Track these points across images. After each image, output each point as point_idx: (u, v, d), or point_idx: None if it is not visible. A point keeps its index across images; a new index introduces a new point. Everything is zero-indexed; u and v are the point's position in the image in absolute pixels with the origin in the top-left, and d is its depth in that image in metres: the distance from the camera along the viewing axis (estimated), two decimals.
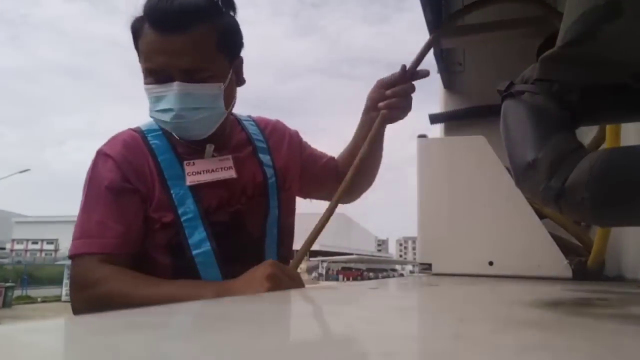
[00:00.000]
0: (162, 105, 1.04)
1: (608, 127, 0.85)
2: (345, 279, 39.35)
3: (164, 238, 1.06)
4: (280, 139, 1.30)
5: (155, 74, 1.03)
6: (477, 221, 0.99)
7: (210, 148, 1.12)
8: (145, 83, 1.05)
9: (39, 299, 22.61)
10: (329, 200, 1.30)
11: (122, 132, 1.14)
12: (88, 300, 0.99)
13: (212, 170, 1.11)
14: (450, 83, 2.17)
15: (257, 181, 1.17)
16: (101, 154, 1.10)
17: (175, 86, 1.02)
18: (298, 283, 0.96)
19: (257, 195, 1.17)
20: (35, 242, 51.37)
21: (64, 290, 23.41)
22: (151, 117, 1.07)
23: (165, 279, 1.01)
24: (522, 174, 0.65)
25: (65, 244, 45.41)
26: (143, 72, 1.05)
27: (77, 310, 1.01)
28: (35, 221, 53.94)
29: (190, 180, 1.08)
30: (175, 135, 1.12)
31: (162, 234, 1.06)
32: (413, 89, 1.16)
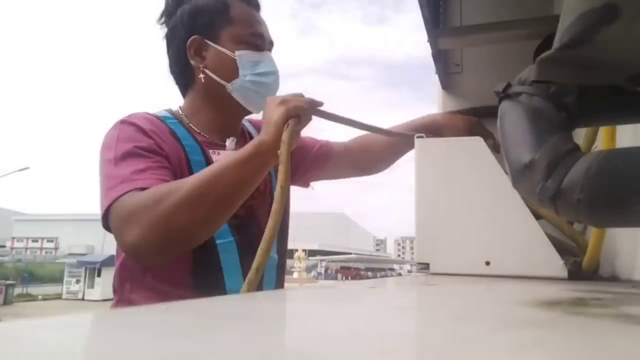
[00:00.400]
0: (263, 69, 1.14)
1: (604, 129, 0.86)
2: (343, 278, 39.32)
3: None
4: None
5: (255, 41, 1.15)
6: (474, 221, 1.00)
7: (232, 142, 1.16)
8: (237, 49, 1.14)
9: (39, 297, 22.63)
10: (334, 178, 1.37)
11: (136, 113, 1.12)
12: (153, 220, 0.90)
13: None
14: (448, 84, 2.18)
15: (266, 178, 1.18)
16: (125, 122, 1.07)
17: (269, 54, 1.18)
18: (298, 96, 1.02)
19: (265, 191, 1.19)
20: (35, 240, 51.22)
21: (65, 288, 23.42)
22: (247, 80, 1.13)
23: (183, 265, 1.02)
24: (519, 175, 0.65)
25: (65, 242, 45.34)
26: (235, 39, 1.14)
27: (139, 245, 0.91)
28: (35, 219, 53.79)
29: None
30: (245, 103, 1.17)
31: None
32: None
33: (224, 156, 1.09)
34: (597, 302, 0.53)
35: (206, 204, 0.92)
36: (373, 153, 1.40)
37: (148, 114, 1.13)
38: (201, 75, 1.15)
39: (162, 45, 1.23)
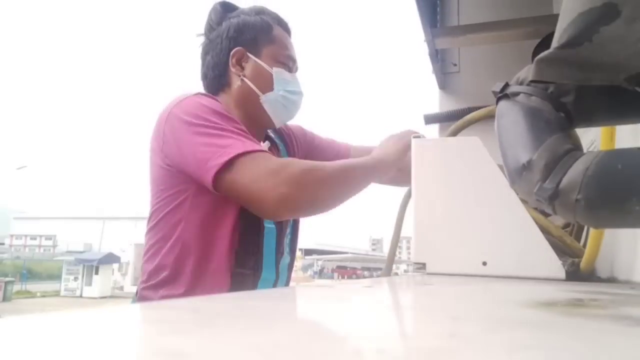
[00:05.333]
0: (293, 87, 1.30)
1: (602, 129, 0.86)
2: (340, 278, 39.39)
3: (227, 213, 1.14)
4: (290, 139, 1.45)
5: (288, 63, 1.31)
6: (472, 221, 0.99)
7: (266, 145, 1.31)
8: (274, 66, 1.29)
9: (38, 294, 22.72)
10: None
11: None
12: (305, 182, 1.05)
13: None
14: (445, 83, 2.18)
15: None
16: (200, 95, 1.19)
17: (297, 77, 1.34)
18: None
19: None
20: (33, 237, 51.20)
21: (63, 285, 23.51)
22: (280, 94, 1.28)
23: (227, 239, 1.12)
24: (517, 175, 0.65)
25: (63, 240, 45.38)
26: (273, 57, 1.29)
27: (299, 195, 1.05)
28: (34, 217, 53.77)
29: None
30: (273, 116, 1.30)
31: (223, 209, 1.14)
32: None
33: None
34: (595, 303, 0.53)
35: (341, 185, 1.13)
36: None
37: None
38: (239, 83, 1.28)
39: (195, 52, 1.38)
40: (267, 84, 1.27)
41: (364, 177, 1.18)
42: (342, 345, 0.27)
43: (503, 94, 0.72)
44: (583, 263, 0.91)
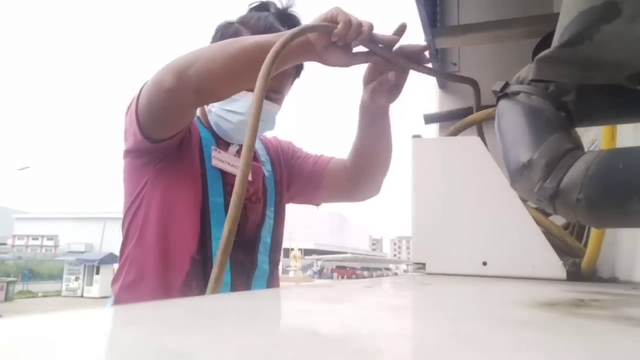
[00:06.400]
0: (234, 107, 1.18)
1: (604, 129, 0.85)
2: (339, 278, 39.44)
3: (189, 194, 1.15)
4: (276, 153, 1.40)
5: None
6: (471, 221, 0.99)
7: (234, 148, 1.25)
8: None
9: (39, 294, 22.75)
10: (338, 201, 1.38)
11: None
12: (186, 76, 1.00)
13: (234, 166, 1.21)
14: (444, 83, 2.18)
15: (260, 189, 1.27)
16: None
17: (248, 95, 1.16)
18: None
19: (256, 201, 1.26)
20: (35, 238, 51.21)
21: (64, 285, 23.53)
22: (213, 111, 1.22)
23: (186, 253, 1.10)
24: (517, 175, 0.65)
25: (65, 240, 45.47)
26: None
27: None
28: (36, 217, 53.82)
29: (214, 162, 1.20)
30: (217, 131, 1.24)
31: (184, 188, 1.16)
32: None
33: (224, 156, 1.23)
34: (596, 303, 0.52)
35: (219, 61, 1.00)
36: (359, 155, 1.33)
37: None
38: None
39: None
40: None
41: (242, 51, 0.99)
42: (342, 345, 0.27)
43: (503, 93, 0.72)
44: (584, 263, 0.91)
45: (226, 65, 0.99)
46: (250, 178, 1.21)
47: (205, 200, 1.15)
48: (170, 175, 1.15)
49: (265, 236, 1.26)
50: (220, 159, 1.21)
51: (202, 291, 0.96)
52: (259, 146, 1.36)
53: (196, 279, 1.11)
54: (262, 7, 1.28)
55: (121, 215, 1.20)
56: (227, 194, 1.17)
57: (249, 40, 1.00)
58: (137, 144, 1.10)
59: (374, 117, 1.21)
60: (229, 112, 1.19)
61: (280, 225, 1.33)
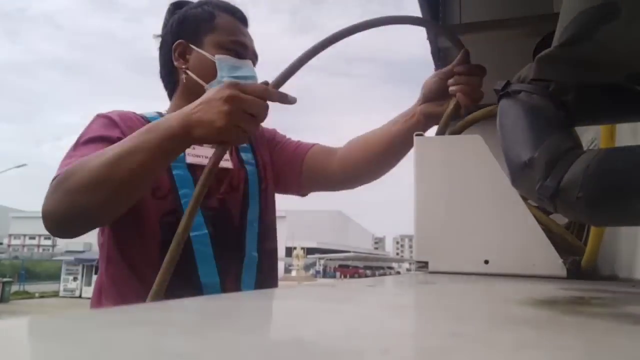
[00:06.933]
0: (241, 73, 1.20)
1: (603, 128, 0.86)
2: (342, 277, 39.39)
3: (157, 212, 1.09)
4: (259, 139, 1.36)
5: (236, 48, 1.22)
6: (473, 220, 0.99)
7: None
8: (218, 53, 1.20)
9: (36, 294, 22.58)
10: (323, 190, 1.35)
11: (119, 110, 1.21)
12: (65, 192, 0.93)
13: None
14: None
15: (241, 175, 1.23)
16: (101, 115, 1.15)
17: (249, 62, 1.23)
18: (261, 104, 0.93)
19: (238, 187, 1.22)
20: (32, 237, 51.14)
21: (62, 286, 23.40)
22: (223, 81, 1.10)
23: (155, 256, 1.03)
24: (518, 173, 0.65)
25: (63, 240, 45.32)
26: (217, 45, 1.22)
27: (52, 209, 0.95)
28: (33, 216, 53.83)
29: (189, 160, 1.15)
30: None
31: (155, 206, 1.09)
32: (482, 70, 1.13)
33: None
34: (597, 301, 0.53)
35: (107, 188, 0.92)
36: (370, 153, 1.30)
37: (133, 112, 1.21)
38: (183, 76, 1.23)
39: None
40: (212, 74, 1.19)
41: (143, 159, 0.91)
42: (345, 344, 0.27)
43: (504, 92, 0.73)
44: (584, 261, 0.91)
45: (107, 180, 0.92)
46: (231, 165, 1.21)
47: (179, 211, 1.08)
48: None
49: (253, 224, 1.22)
50: (195, 155, 1.17)
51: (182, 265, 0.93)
52: None
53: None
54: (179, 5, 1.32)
55: None
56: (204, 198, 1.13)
57: (112, 151, 0.93)
58: None
59: (418, 128, 1.18)
60: (239, 78, 1.17)
61: (269, 212, 1.28)
